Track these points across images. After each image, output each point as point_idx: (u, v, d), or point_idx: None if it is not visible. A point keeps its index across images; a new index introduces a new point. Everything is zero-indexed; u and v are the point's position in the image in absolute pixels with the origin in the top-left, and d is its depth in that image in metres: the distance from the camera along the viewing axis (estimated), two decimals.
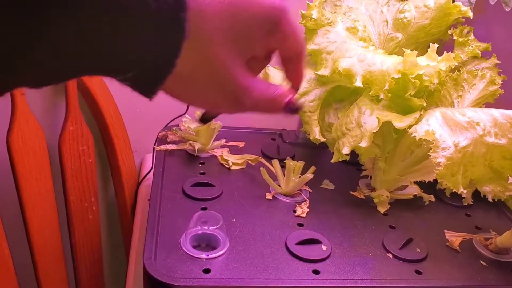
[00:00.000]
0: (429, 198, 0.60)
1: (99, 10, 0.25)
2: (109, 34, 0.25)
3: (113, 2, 0.25)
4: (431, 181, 0.58)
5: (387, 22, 0.61)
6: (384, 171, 0.59)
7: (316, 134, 0.61)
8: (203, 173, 0.62)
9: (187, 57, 0.28)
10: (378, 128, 0.52)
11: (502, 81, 0.59)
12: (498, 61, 0.61)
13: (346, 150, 0.55)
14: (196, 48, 0.29)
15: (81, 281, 0.84)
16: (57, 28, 0.24)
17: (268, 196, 0.59)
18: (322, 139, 0.61)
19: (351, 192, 0.62)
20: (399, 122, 0.51)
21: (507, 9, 0.61)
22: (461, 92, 0.57)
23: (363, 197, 0.61)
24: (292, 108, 0.34)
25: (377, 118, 0.52)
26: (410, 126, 0.51)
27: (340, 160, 0.58)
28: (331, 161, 0.58)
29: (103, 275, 0.87)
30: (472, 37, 0.62)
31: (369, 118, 0.53)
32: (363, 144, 0.52)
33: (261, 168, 0.59)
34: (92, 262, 0.85)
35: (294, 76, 0.36)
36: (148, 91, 0.29)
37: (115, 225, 0.90)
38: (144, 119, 0.84)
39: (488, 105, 0.59)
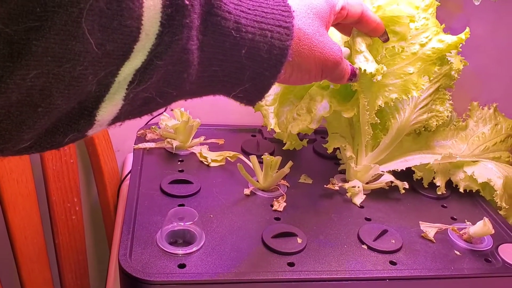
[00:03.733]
0: (403, 185, 0.60)
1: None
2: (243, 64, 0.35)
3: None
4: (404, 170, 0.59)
5: None
6: (355, 162, 0.59)
7: (272, 125, 0.62)
8: (181, 171, 0.63)
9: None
10: (329, 113, 0.55)
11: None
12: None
13: (295, 130, 0.58)
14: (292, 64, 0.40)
15: (66, 282, 0.84)
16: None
17: (246, 191, 0.60)
18: (278, 130, 0.63)
19: (325, 186, 0.62)
20: (347, 113, 0.54)
21: (476, 3, 0.62)
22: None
23: (337, 188, 0.61)
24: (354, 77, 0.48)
25: (329, 105, 0.54)
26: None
27: (291, 148, 0.64)
28: (283, 148, 0.64)
29: (88, 275, 0.87)
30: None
31: (319, 104, 0.55)
32: (313, 126, 0.55)
33: (238, 164, 0.59)
34: (76, 262, 0.85)
35: (372, 27, 0.49)
36: (254, 100, 0.38)
37: (99, 225, 0.90)
38: None
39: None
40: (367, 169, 0.60)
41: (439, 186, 0.62)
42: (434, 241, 0.55)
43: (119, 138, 0.84)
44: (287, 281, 0.47)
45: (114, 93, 0.29)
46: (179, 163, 0.64)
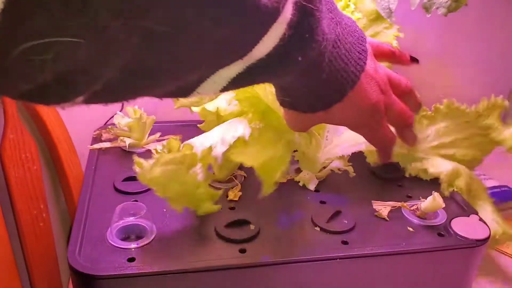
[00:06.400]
0: (351, 170, 0.61)
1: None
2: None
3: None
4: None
5: None
6: (304, 153, 0.60)
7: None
8: None
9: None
10: None
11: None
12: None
13: None
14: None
15: None
16: None
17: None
18: None
19: None
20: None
21: (412, 8, 0.63)
22: None
23: (285, 181, 0.62)
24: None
25: None
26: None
27: None
28: None
29: (61, 280, 0.87)
30: None
31: None
32: None
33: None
34: (47, 269, 0.85)
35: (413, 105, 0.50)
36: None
37: (69, 230, 0.90)
38: (84, 119, 0.84)
39: None
40: (315, 160, 0.60)
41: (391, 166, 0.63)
42: (388, 219, 0.56)
43: (82, 141, 0.84)
44: (237, 267, 0.47)
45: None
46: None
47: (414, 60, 0.50)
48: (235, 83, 0.33)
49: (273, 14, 0.29)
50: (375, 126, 0.45)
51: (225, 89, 0.34)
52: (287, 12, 0.30)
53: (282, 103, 0.44)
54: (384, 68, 0.45)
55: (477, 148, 0.62)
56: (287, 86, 0.41)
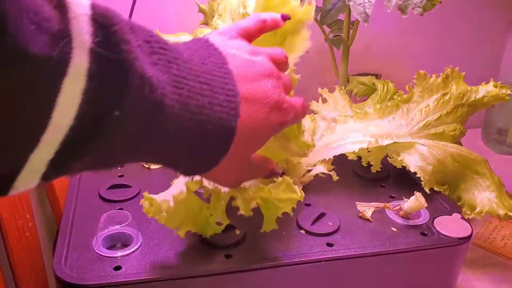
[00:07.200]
0: (335, 175, 0.61)
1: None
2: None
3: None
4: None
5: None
6: (287, 161, 0.60)
7: None
8: (121, 176, 0.63)
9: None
10: None
11: None
12: None
13: None
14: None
15: None
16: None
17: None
18: None
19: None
20: None
21: (389, 10, 0.63)
22: None
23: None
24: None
25: None
26: None
27: None
28: None
29: None
30: None
31: None
32: None
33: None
34: (35, 280, 0.85)
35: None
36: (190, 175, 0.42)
37: (55, 239, 0.89)
38: None
39: None
40: (299, 166, 0.61)
41: (372, 165, 0.64)
42: (372, 220, 0.57)
43: None
44: (224, 273, 0.48)
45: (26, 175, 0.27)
46: (119, 168, 0.65)
47: (286, 17, 0.46)
48: (62, 166, 0.27)
49: (59, 66, 0.24)
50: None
51: (48, 175, 0.27)
52: (81, 62, 0.25)
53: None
54: (262, 53, 0.41)
55: (461, 120, 0.62)
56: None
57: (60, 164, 0.27)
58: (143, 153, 0.34)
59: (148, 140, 0.32)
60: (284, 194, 0.47)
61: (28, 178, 0.26)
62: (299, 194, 0.47)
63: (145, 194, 0.47)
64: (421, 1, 0.62)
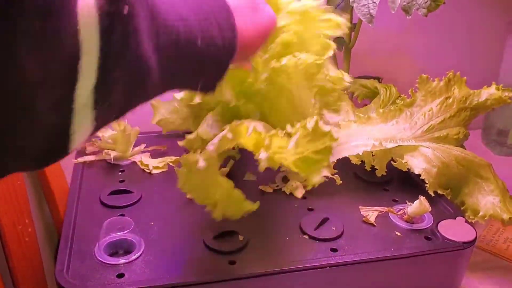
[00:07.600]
0: (337, 179, 0.61)
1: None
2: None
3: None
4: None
5: None
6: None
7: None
8: (122, 181, 0.62)
9: None
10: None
11: None
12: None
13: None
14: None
15: None
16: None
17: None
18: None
19: (259, 187, 0.63)
20: None
21: (393, 11, 0.63)
22: None
23: (271, 191, 0.62)
24: None
25: None
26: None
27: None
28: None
29: None
30: None
31: None
32: None
33: (176, 168, 0.59)
34: (35, 285, 0.84)
35: None
36: (212, 88, 0.41)
37: (55, 244, 0.89)
38: None
39: None
40: None
41: (377, 169, 0.63)
42: (375, 224, 0.56)
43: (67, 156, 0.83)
44: (227, 280, 0.47)
45: (80, 120, 0.28)
46: (120, 173, 0.64)
47: None
48: (105, 94, 0.29)
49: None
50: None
51: (98, 112, 0.29)
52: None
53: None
54: None
55: (464, 123, 0.62)
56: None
57: (103, 92, 0.28)
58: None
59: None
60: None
61: (81, 120, 0.28)
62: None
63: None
64: (426, 2, 0.62)
